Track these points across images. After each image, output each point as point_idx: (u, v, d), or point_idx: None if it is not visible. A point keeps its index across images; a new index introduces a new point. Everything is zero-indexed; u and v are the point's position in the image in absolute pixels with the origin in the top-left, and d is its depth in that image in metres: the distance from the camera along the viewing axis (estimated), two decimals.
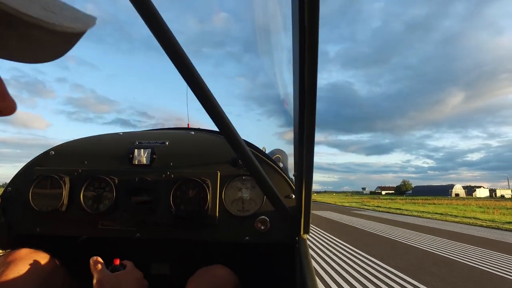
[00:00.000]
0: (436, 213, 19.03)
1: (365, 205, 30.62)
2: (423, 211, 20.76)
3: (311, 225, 0.88)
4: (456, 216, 16.98)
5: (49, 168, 1.09)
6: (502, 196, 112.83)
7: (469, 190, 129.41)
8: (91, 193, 1.05)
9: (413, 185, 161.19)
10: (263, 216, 1.01)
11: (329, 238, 8.80)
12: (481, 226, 12.99)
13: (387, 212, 20.44)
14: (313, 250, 7.15)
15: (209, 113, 0.62)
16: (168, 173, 1.06)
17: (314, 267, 0.79)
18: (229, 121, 0.66)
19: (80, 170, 1.07)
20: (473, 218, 16.15)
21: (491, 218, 15.92)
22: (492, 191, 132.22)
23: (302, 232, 0.91)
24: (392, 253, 6.94)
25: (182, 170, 1.07)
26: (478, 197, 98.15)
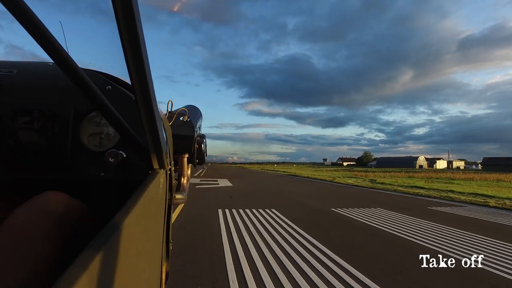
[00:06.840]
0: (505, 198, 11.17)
1: (375, 181, 21.53)
2: (490, 195, 12.93)
3: None
4: None
5: None
6: (458, 168, 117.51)
7: (431, 162, 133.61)
8: None
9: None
10: (117, 150, 0.91)
11: None
12: None
13: (451, 201, 12.04)
14: None
15: (35, 38, 0.48)
16: (13, 104, 0.92)
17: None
18: (64, 50, 0.53)
19: None
20: None
21: None
22: (449, 163, 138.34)
23: (157, 166, 0.85)
24: None
25: (31, 101, 0.95)
26: (439, 169, 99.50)
